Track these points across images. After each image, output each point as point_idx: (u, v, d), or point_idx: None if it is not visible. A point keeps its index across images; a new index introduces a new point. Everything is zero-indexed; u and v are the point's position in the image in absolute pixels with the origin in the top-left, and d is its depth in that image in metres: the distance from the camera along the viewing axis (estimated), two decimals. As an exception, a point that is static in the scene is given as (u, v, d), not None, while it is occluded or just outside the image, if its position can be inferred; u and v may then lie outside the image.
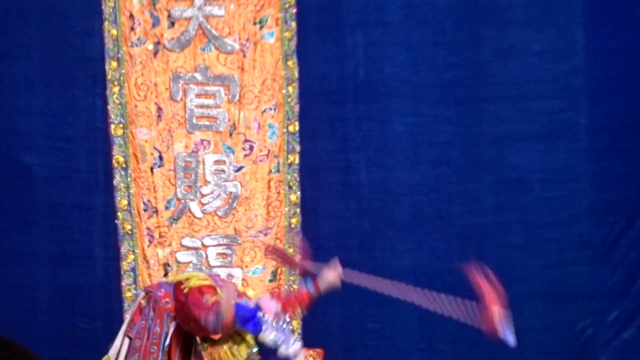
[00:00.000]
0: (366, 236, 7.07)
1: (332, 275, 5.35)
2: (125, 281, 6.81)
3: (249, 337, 5.11)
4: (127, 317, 5.43)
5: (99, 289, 6.87)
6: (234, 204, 6.94)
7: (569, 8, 7.03)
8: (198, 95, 6.92)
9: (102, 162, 6.85)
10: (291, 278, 6.95)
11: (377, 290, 5.32)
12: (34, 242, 6.84)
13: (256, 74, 6.94)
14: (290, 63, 6.96)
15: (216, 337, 5.21)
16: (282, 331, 4.98)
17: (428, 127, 7.07)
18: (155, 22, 6.86)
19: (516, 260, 7.02)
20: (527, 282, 6.97)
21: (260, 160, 6.97)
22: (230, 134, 6.94)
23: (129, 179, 6.82)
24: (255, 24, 6.93)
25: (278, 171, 6.98)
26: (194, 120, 6.91)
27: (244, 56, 6.93)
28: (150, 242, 6.84)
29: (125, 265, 6.81)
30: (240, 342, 5.14)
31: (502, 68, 7.04)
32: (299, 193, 6.99)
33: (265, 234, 6.95)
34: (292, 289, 6.92)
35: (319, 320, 6.74)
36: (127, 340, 5.21)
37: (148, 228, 6.84)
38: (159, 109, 6.88)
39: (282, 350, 4.95)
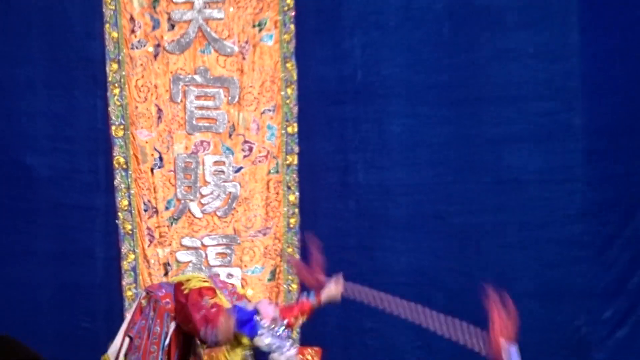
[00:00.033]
0: (365, 236, 7.07)
1: (334, 289, 5.45)
2: (126, 280, 6.83)
3: (245, 340, 5.10)
4: (128, 316, 5.45)
5: (99, 288, 6.88)
6: (234, 204, 6.96)
7: (565, 10, 7.02)
8: (198, 97, 6.94)
9: (103, 163, 6.86)
10: (290, 277, 6.97)
11: (378, 306, 5.37)
12: (36, 241, 6.85)
13: (255, 76, 6.95)
14: (289, 65, 6.98)
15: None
16: (277, 337, 4.98)
17: (426, 127, 7.06)
18: (156, 25, 6.88)
19: (513, 259, 7.03)
20: (523, 281, 6.97)
21: (259, 161, 6.99)
22: (230, 135, 6.96)
23: (129, 180, 6.84)
24: (254, 26, 6.94)
25: (277, 172, 6.99)
26: (194, 122, 6.93)
27: (243, 58, 6.95)
28: (151, 241, 6.86)
29: (125, 265, 6.83)
30: (237, 345, 5.13)
31: (499, 70, 7.04)
32: (297, 193, 7.01)
33: (264, 234, 6.98)
34: (290, 288, 6.96)
35: (318, 319, 6.74)
36: (127, 340, 5.24)
37: (148, 228, 6.86)
38: (159, 110, 6.90)
39: (276, 357, 4.96)
